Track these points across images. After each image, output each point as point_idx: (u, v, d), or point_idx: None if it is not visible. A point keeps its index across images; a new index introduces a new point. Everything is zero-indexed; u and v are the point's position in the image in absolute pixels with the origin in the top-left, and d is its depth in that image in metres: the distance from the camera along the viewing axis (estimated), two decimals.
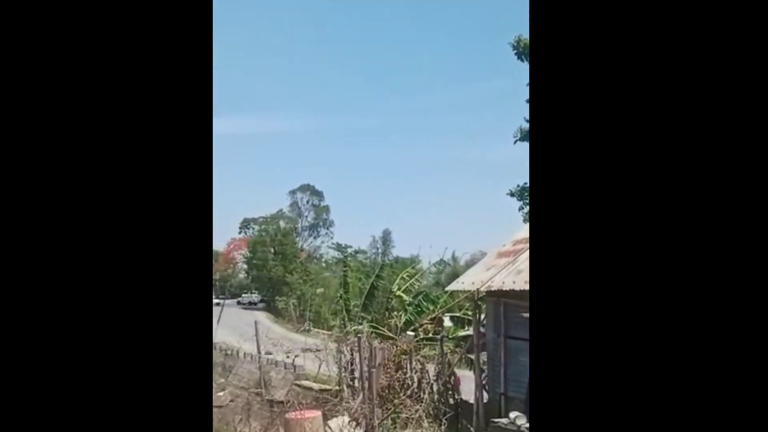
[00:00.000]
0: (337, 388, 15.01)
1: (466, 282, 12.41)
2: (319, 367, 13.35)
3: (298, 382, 19.06)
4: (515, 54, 23.30)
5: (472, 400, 12.78)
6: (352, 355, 13.81)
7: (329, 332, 24.34)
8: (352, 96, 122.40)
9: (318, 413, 8.50)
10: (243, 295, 70.28)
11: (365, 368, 8.72)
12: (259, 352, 13.00)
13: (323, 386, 16.20)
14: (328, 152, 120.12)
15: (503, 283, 10.99)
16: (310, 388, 16.23)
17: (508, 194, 24.70)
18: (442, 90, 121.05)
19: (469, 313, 16.19)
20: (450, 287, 13.58)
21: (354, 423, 8.15)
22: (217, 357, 30.74)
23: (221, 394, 16.65)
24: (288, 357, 14.71)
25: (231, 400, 10.50)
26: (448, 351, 14.66)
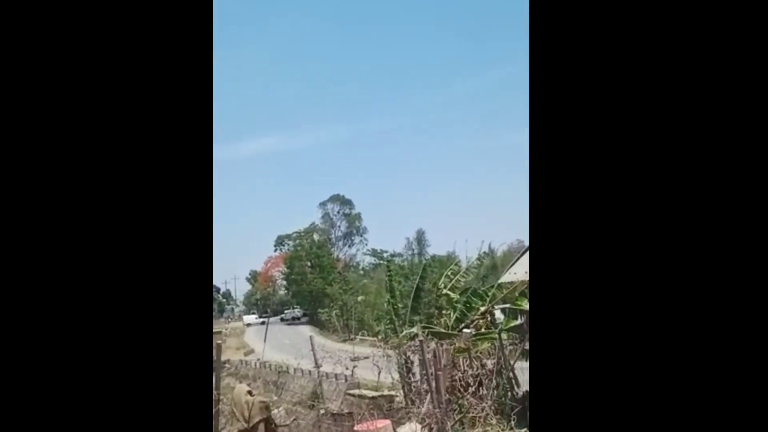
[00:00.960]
0: (392, 393, 14.78)
1: (518, 272, 12.08)
2: (379, 374, 13.11)
3: (350, 391, 18.96)
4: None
5: None
6: (406, 357, 13.56)
7: (375, 338, 24.11)
8: (368, 99, 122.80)
9: (387, 422, 8.26)
10: (285, 311, 70.92)
11: (431, 370, 8.42)
12: (317, 365, 12.80)
13: (376, 393, 16.03)
14: (353, 160, 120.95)
15: None
16: (363, 396, 16.07)
17: None
18: (460, 82, 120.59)
19: (520, 303, 15.79)
20: (503, 279, 13.23)
21: (427, 428, 7.86)
22: (268, 375, 30.94)
23: (276, 411, 16.59)
24: (347, 368, 14.47)
25: (294, 419, 10.32)
26: (505, 344, 14.28)
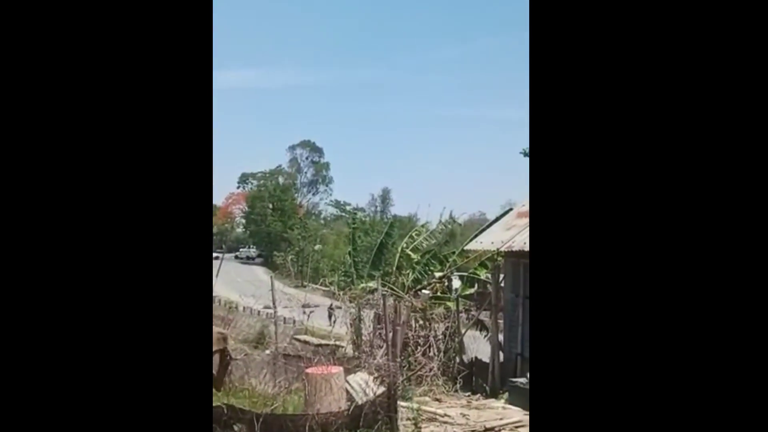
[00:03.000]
0: (338, 342, 15.01)
1: (484, 242, 12.25)
2: (334, 322, 13.25)
3: (297, 336, 19.17)
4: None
5: (485, 360, 12.74)
6: (359, 311, 13.72)
7: (328, 287, 24.28)
8: (354, 51, 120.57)
9: (340, 369, 8.36)
10: (241, 250, 70.57)
11: (389, 325, 8.53)
12: (273, 307, 12.84)
13: (321, 341, 16.26)
14: (329, 108, 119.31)
15: (525, 243, 10.79)
16: (308, 342, 16.28)
17: (521, 153, 24.18)
18: (451, 46, 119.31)
19: (478, 273, 16.07)
20: (468, 246, 13.39)
21: (378, 380, 8.01)
22: (217, 310, 30.95)
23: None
24: (304, 313, 14.56)
25: (245, 354, 10.39)
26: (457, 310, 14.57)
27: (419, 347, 13.21)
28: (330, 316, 14.76)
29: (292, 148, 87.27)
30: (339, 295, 14.72)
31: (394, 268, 17.51)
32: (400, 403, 8.17)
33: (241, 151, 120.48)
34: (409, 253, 18.51)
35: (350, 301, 13.90)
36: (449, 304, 14.53)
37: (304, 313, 14.47)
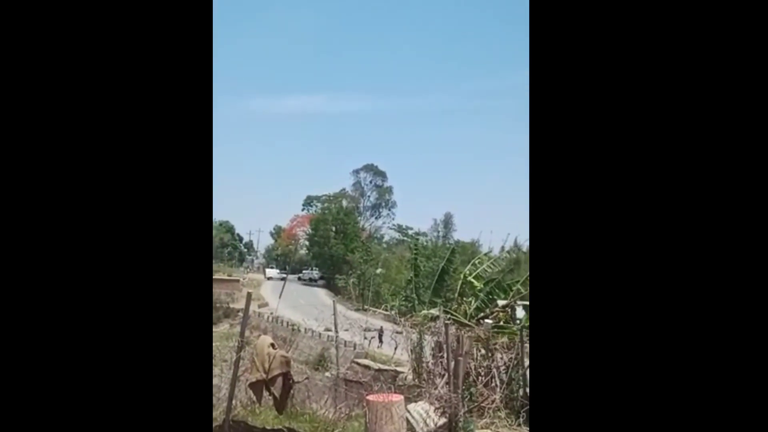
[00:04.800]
0: (399, 368, 14.87)
1: None
2: (396, 348, 13.18)
3: (356, 360, 19.18)
4: None
5: None
6: (421, 337, 13.58)
7: (390, 312, 24.24)
8: (420, 77, 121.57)
9: (401, 398, 8.27)
10: (304, 271, 71.66)
11: (450, 355, 8.41)
12: (335, 330, 12.92)
13: (382, 366, 16.16)
14: (394, 133, 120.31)
15: None
16: (369, 367, 16.21)
17: None
18: (519, 70, 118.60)
19: None
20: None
21: (439, 411, 7.88)
22: (279, 331, 31.47)
23: None
24: (365, 338, 14.59)
25: (306, 377, 10.43)
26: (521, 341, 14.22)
27: (481, 378, 12.92)
28: (379, 337, 14.69)
29: (356, 172, 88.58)
30: (400, 320, 14.66)
31: (456, 295, 17.34)
32: None
33: (306, 175, 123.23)
34: (472, 280, 18.31)
35: (411, 327, 13.80)
36: (513, 334, 14.20)
37: (365, 337, 14.46)
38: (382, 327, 15.73)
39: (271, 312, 37.91)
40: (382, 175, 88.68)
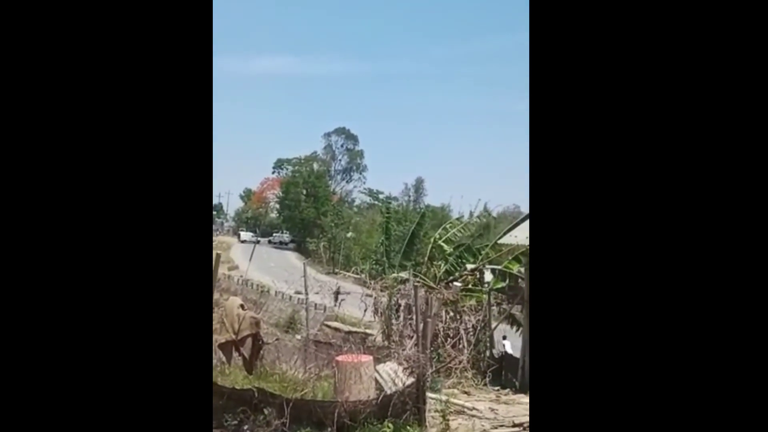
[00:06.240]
0: (368, 330, 15.07)
1: (519, 236, 12.09)
2: (365, 311, 13.30)
3: (327, 322, 19.35)
4: None
5: (516, 355, 12.65)
6: (390, 300, 13.74)
7: (360, 275, 24.37)
8: (392, 42, 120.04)
9: (370, 358, 8.39)
10: (274, 234, 71.34)
11: (419, 316, 8.52)
12: (305, 293, 12.96)
13: (351, 328, 16.36)
14: (366, 97, 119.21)
15: None
16: (338, 329, 16.40)
17: None
18: (491, 38, 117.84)
19: (511, 267, 15.93)
20: (502, 240, 13.25)
21: (408, 371, 8.02)
22: (249, 293, 31.46)
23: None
24: (334, 301, 14.67)
25: (276, 339, 10.51)
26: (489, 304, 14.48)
27: (449, 339, 13.17)
28: (336, 299, 14.79)
29: (327, 135, 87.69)
30: (370, 283, 14.77)
31: (426, 259, 17.48)
32: (429, 394, 8.17)
33: (276, 137, 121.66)
34: (442, 244, 18.45)
35: (381, 290, 13.93)
36: (481, 297, 14.45)
37: (334, 300, 14.55)
38: (339, 287, 15.81)
39: (241, 275, 37.79)
40: (353, 138, 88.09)
